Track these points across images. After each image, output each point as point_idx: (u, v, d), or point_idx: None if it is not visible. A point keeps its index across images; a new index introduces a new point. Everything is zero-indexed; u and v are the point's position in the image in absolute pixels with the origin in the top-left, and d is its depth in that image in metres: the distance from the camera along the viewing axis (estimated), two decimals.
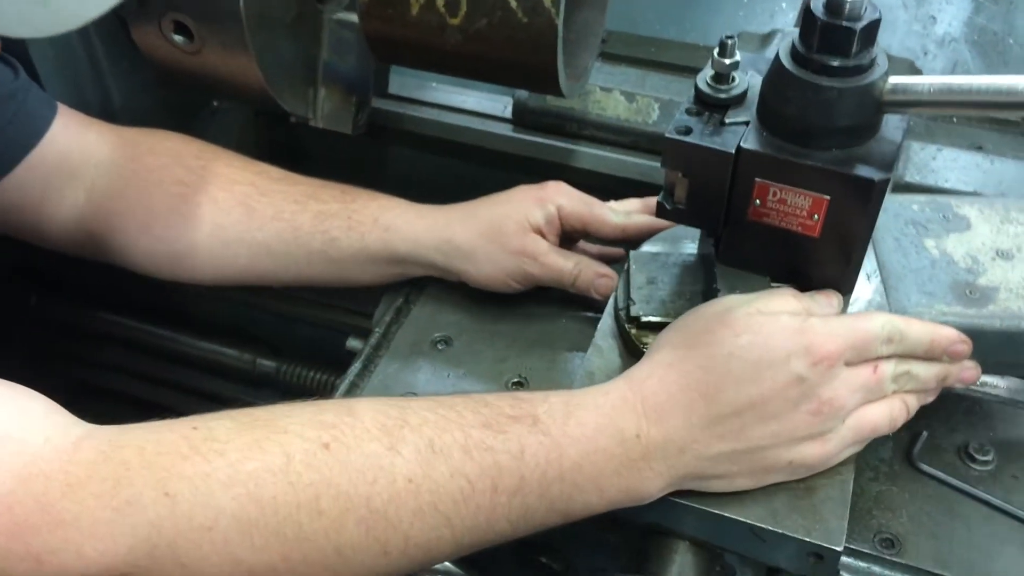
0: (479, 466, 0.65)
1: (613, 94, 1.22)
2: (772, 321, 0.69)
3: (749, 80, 0.74)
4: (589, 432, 0.67)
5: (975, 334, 0.74)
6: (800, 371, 0.67)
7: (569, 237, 0.97)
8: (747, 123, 0.71)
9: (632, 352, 0.80)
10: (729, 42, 0.71)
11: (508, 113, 1.25)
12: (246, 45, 0.97)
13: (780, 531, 0.70)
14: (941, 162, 1.12)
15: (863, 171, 0.68)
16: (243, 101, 1.18)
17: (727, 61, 0.72)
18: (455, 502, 0.64)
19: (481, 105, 1.27)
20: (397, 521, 0.63)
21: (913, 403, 0.74)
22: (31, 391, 0.63)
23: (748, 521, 0.71)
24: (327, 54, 1.08)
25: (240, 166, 0.98)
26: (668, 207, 0.75)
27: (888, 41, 1.54)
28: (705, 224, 0.77)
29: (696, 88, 0.74)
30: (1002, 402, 0.86)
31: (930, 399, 0.76)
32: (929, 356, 0.73)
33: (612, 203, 0.96)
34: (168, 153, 0.97)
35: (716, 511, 0.71)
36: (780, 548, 0.71)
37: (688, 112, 0.72)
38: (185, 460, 0.60)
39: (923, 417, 0.83)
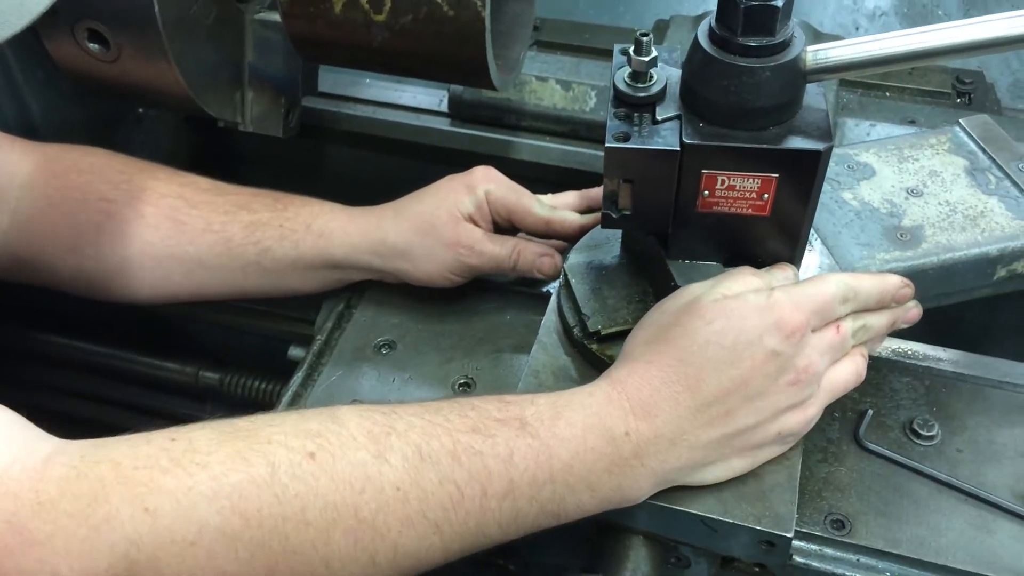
0: (468, 472, 0.64)
1: (549, 83, 1.20)
2: (739, 303, 0.70)
3: (665, 73, 0.73)
4: (578, 432, 0.67)
5: (916, 274, 0.77)
6: (774, 346, 0.68)
7: (498, 226, 0.95)
8: (679, 117, 0.70)
9: (592, 363, 0.80)
10: (644, 40, 0.70)
11: (444, 107, 1.23)
12: (164, 51, 0.93)
13: (730, 521, 0.70)
14: (876, 136, 1.13)
15: (808, 143, 0.68)
16: (167, 108, 1.14)
17: (645, 59, 0.71)
18: (444, 509, 0.63)
19: (417, 100, 1.26)
20: (386, 530, 0.62)
21: (868, 353, 0.76)
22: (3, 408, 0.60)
23: (698, 513, 0.71)
24: (251, 55, 1.05)
25: (165, 178, 0.94)
26: (614, 215, 0.74)
27: (820, 17, 1.56)
28: (653, 225, 0.76)
29: (616, 90, 0.72)
30: (943, 375, 0.87)
31: (879, 345, 0.78)
32: (880, 306, 0.75)
33: (546, 196, 0.95)
34: (91, 169, 0.93)
35: (666, 504, 0.71)
36: (731, 537, 0.71)
37: (617, 117, 0.71)
38: (165, 474, 0.58)
39: (868, 395, 0.85)
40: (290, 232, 0.91)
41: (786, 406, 0.70)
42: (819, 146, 0.68)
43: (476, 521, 0.64)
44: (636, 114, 0.71)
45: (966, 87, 1.23)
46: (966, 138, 0.89)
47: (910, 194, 0.84)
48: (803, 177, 0.70)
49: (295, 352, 0.97)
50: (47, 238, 0.92)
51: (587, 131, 1.19)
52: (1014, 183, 0.84)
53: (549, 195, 0.96)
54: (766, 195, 0.70)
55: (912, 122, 1.14)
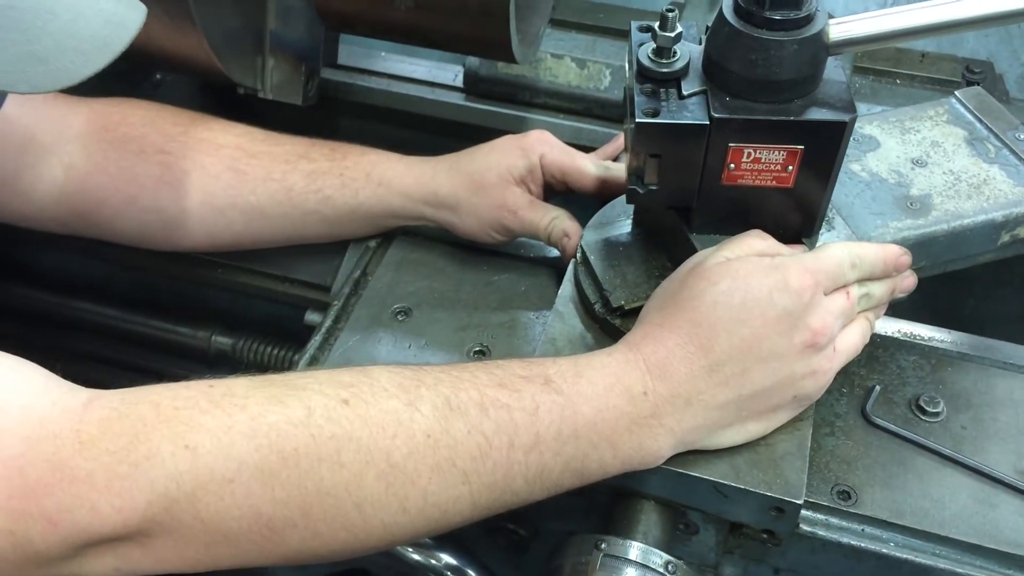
0: (495, 423, 0.65)
1: (564, 61, 1.21)
2: (744, 263, 0.71)
3: (687, 49, 0.74)
4: (600, 390, 0.68)
5: (927, 241, 0.80)
6: (785, 304, 0.69)
7: (551, 188, 0.97)
8: (705, 92, 0.71)
9: (610, 334, 0.81)
10: (670, 15, 0.71)
11: (459, 82, 1.24)
12: (191, 16, 0.94)
13: (742, 487, 0.72)
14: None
15: (833, 115, 0.70)
16: (189, 74, 1.15)
17: (671, 34, 0.72)
18: (473, 458, 0.65)
19: (431, 74, 1.26)
20: (416, 476, 0.63)
21: (873, 319, 0.78)
22: (28, 362, 0.62)
23: (711, 479, 0.72)
24: (273, 23, 1.05)
25: (221, 128, 0.96)
26: (641, 191, 0.75)
27: (832, 5, 1.56)
28: (679, 199, 0.77)
29: (640, 65, 0.73)
30: (948, 355, 0.89)
31: (881, 313, 0.79)
32: (883, 275, 0.77)
33: (594, 154, 0.98)
34: (144, 122, 0.95)
35: (680, 470, 0.73)
36: (742, 503, 0.73)
37: (644, 93, 0.72)
38: (205, 414, 0.60)
39: (875, 372, 0.86)
40: (351, 181, 0.94)
41: (802, 369, 0.71)
42: (844, 117, 0.70)
43: (503, 473, 0.66)
44: (662, 90, 0.73)
45: (975, 76, 1.24)
46: (962, 109, 0.91)
47: (915, 164, 0.86)
48: (828, 148, 0.72)
49: (312, 317, 0.98)
50: (106, 191, 0.93)
51: (601, 109, 1.20)
52: (1012, 151, 0.86)
53: (599, 149, 0.98)
54: (791, 167, 0.72)
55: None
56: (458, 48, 1.05)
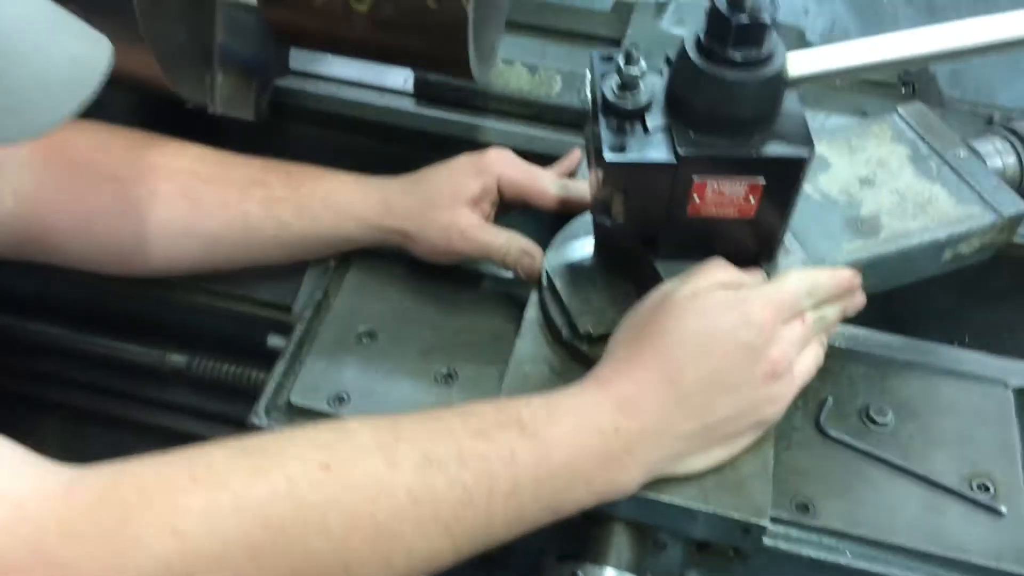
0: (474, 474, 0.66)
1: (515, 66, 1.21)
2: (709, 298, 0.74)
3: (649, 81, 0.75)
4: (572, 431, 0.70)
5: (877, 261, 0.83)
6: (747, 338, 0.73)
7: (508, 205, 0.97)
8: (670, 126, 0.73)
9: (576, 358, 0.83)
10: (634, 52, 0.72)
11: (409, 86, 1.23)
12: (139, 33, 0.91)
13: (711, 510, 0.75)
14: (831, 127, 1.18)
15: (793, 150, 0.72)
16: (134, 89, 1.11)
17: (635, 71, 0.73)
18: (454, 511, 0.66)
19: (380, 78, 1.25)
20: (400, 534, 0.64)
21: (826, 340, 0.82)
22: (2, 438, 0.59)
23: (680, 503, 0.75)
24: (221, 35, 1.03)
25: (175, 152, 0.94)
26: (608, 224, 0.76)
27: None
28: (645, 231, 0.79)
29: (604, 100, 0.74)
30: (895, 363, 0.93)
31: (832, 332, 0.83)
32: (836, 298, 0.80)
33: (551, 169, 0.98)
34: (96, 147, 0.92)
35: (650, 495, 0.75)
36: (710, 524, 0.76)
37: (610, 128, 0.73)
38: (190, 494, 0.60)
39: (827, 383, 0.90)
40: (307, 208, 0.94)
41: (762, 396, 0.75)
42: (804, 153, 0.73)
43: (484, 520, 0.67)
44: (626, 123, 0.74)
45: (910, 77, 1.29)
46: (904, 126, 0.95)
47: (864, 183, 0.89)
48: (788, 180, 0.74)
49: (275, 341, 0.97)
50: (57, 217, 0.91)
51: (553, 115, 1.20)
52: (953, 170, 0.90)
53: (555, 165, 1.00)
54: (752, 198, 0.74)
55: (864, 113, 1.20)
56: (414, 66, 1.04)
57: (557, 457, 0.69)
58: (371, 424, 0.68)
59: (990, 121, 1.17)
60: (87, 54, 0.61)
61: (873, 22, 1.49)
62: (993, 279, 1.12)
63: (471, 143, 1.20)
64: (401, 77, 1.25)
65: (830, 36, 1.51)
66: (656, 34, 1.23)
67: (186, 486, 0.60)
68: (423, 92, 1.22)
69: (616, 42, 1.27)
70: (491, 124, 1.20)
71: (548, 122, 1.20)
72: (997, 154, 0.90)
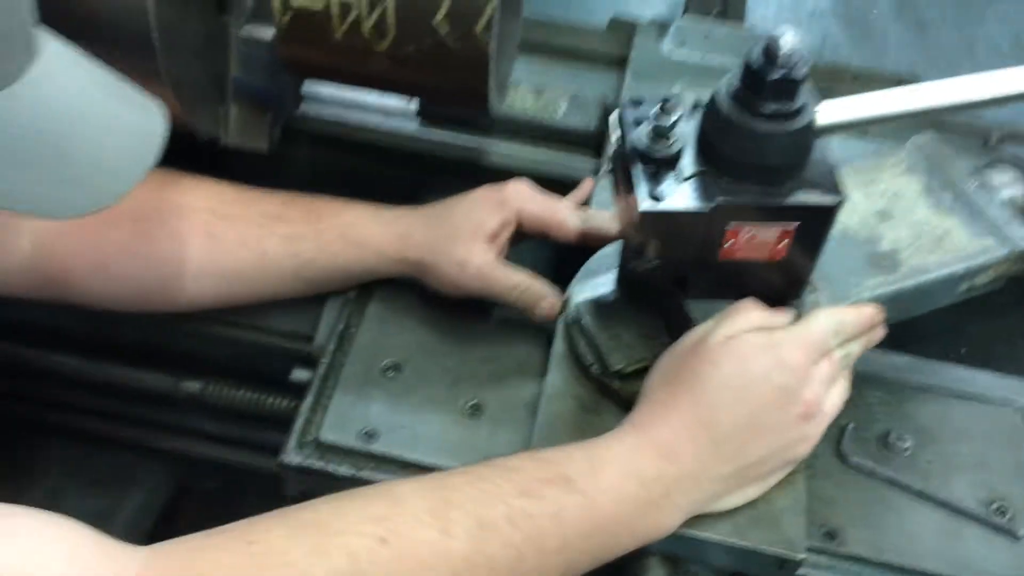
0: (525, 533, 0.68)
1: (520, 89, 1.22)
2: (743, 343, 0.76)
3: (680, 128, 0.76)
4: (616, 482, 0.72)
5: (897, 296, 0.86)
6: (781, 382, 0.75)
7: (525, 235, 0.97)
8: (703, 173, 0.74)
9: (606, 394, 0.85)
10: (671, 102, 0.74)
11: (413, 107, 1.23)
12: (158, 71, 0.91)
13: (746, 546, 0.77)
14: (835, 146, 1.19)
15: (823, 198, 0.75)
16: None
17: (671, 119, 0.74)
18: (509, 571, 0.68)
19: (384, 101, 1.25)
20: None
21: (850, 375, 0.84)
22: (78, 523, 0.59)
23: (716, 539, 0.77)
24: (236, 69, 1.02)
25: (191, 189, 0.94)
26: (639, 270, 0.78)
27: (763, 12, 1.62)
28: (677, 273, 0.81)
29: (636, 150, 0.75)
30: (910, 386, 0.95)
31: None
32: (860, 335, 0.82)
33: (568, 199, 0.98)
34: None
35: (687, 533, 0.77)
36: (746, 559, 0.78)
37: (646, 176, 0.74)
38: None
39: (847, 409, 0.92)
40: (327, 244, 0.94)
41: (797, 436, 0.77)
42: (834, 200, 0.75)
43: None
44: (660, 171, 0.75)
45: None
46: (918, 157, 0.97)
47: (881, 217, 0.91)
48: (819, 225, 0.76)
49: (299, 374, 0.97)
50: (76, 259, 0.90)
51: (558, 137, 1.21)
52: (966, 203, 0.92)
53: (573, 195, 1.00)
54: (784, 242, 0.76)
55: (865, 133, 1.21)
56: (431, 98, 1.04)
57: (603, 509, 0.71)
58: (420, 490, 0.70)
59: (987, 140, 1.20)
60: (144, 124, 0.61)
61: (863, 38, 1.52)
62: (990, 293, 1.16)
63: (476, 165, 1.21)
64: (405, 98, 1.25)
65: (821, 51, 1.54)
66: (658, 58, 1.24)
67: (253, 573, 0.61)
68: (427, 113, 1.22)
69: (618, 62, 1.28)
70: (496, 149, 1.21)
71: (554, 142, 1.22)
72: (1006, 185, 0.93)
